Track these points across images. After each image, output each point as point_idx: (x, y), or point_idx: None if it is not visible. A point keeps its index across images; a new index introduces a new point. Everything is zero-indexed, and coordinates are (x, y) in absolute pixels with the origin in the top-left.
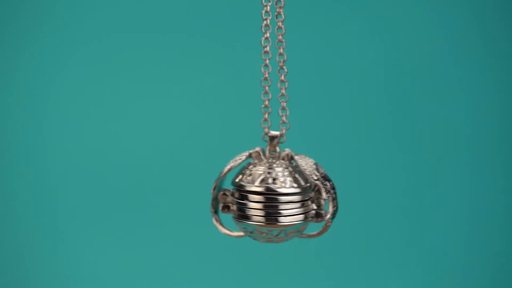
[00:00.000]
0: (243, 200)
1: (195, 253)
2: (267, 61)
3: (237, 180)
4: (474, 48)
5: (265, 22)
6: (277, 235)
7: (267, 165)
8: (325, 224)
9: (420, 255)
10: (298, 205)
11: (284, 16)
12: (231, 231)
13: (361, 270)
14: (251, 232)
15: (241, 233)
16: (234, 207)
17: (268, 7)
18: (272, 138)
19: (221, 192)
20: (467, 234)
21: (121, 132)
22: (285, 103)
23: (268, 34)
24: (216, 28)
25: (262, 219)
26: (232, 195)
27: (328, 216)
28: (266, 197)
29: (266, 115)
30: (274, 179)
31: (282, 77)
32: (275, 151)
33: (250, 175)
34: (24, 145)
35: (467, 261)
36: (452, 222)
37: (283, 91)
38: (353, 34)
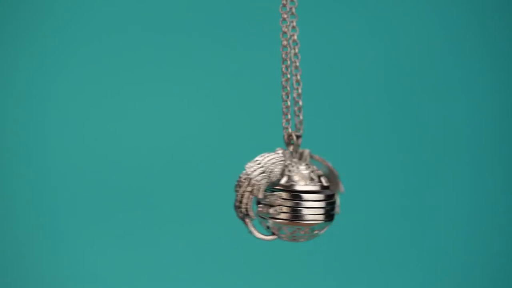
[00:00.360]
0: (301, 201)
1: (195, 253)
2: (289, 61)
3: (283, 182)
4: (474, 48)
5: (284, 27)
6: (320, 232)
7: (303, 165)
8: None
9: (420, 255)
10: (332, 201)
11: (298, 16)
12: (265, 235)
13: (361, 270)
14: (304, 232)
15: (274, 237)
16: (282, 209)
17: (288, 8)
18: (298, 138)
19: (270, 198)
20: (467, 234)
21: (121, 132)
22: (301, 102)
23: (289, 36)
24: (216, 28)
25: (321, 217)
26: (280, 197)
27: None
28: (321, 196)
29: (289, 116)
30: (321, 178)
31: (298, 77)
32: (297, 151)
33: (293, 176)
34: (24, 145)
35: (467, 261)
36: (452, 222)
37: (299, 90)
38: (353, 34)
